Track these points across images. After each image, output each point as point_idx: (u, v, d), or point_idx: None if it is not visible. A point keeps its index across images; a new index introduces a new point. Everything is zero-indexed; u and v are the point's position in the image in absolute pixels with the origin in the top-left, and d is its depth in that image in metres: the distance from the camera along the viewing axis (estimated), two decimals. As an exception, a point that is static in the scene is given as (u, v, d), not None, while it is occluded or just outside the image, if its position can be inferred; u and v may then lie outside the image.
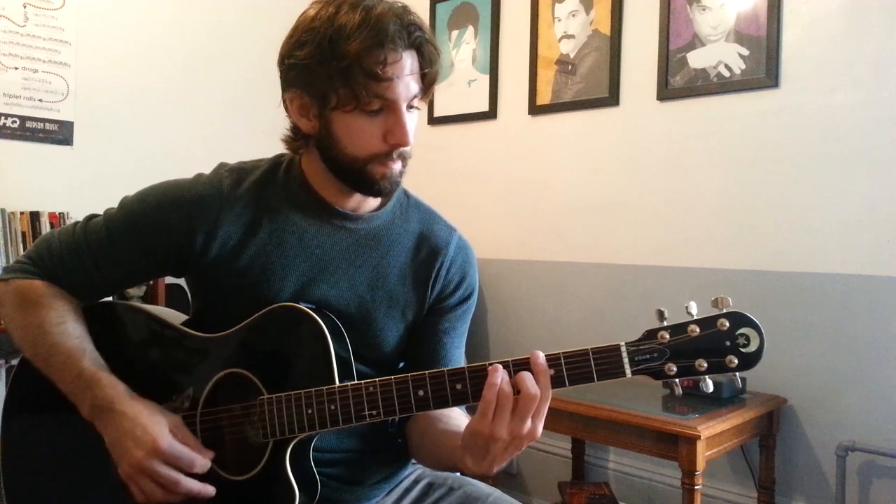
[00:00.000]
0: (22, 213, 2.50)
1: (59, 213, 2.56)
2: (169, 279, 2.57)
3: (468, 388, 0.98)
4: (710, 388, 0.95)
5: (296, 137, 1.16)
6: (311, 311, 1.07)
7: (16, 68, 2.62)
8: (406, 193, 1.26)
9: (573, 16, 2.79)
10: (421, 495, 1.27)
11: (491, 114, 3.06)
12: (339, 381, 1.04)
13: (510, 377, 0.95)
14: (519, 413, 0.94)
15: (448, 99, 3.21)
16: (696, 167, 2.49)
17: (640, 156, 2.62)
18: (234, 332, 1.12)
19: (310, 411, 1.03)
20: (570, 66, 2.80)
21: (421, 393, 1.00)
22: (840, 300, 2.19)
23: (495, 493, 1.22)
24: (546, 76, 2.87)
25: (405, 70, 1.04)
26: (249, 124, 3.04)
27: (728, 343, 0.93)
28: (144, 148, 2.90)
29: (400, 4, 1.06)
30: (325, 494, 1.10)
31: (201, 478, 1.05)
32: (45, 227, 2.52)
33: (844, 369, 2.18)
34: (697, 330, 0.94)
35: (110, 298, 1.29)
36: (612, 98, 2.67)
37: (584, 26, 2.76)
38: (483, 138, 3.10)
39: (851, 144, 2.18)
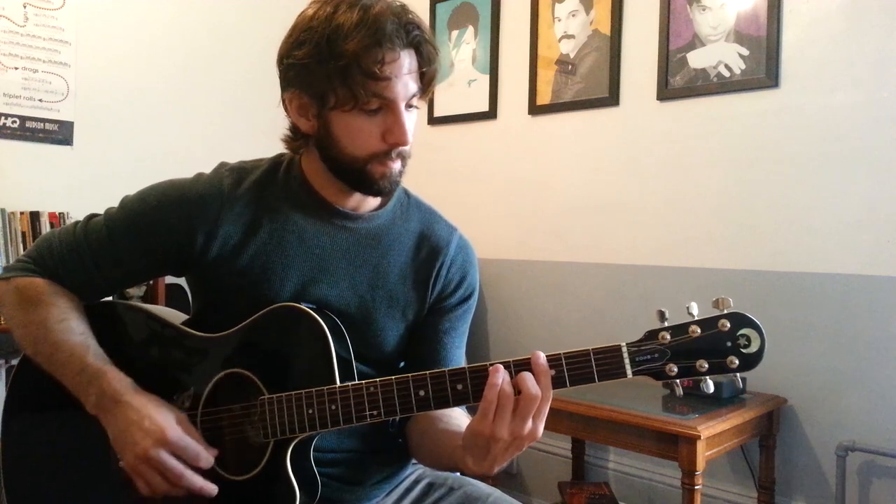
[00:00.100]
0: (22, 213, 2.50)
1: (59, 213, 2.56)
2: (169, 279, 2.57)
3: (469, 388, 0.98)
4: (711, 389, 0.95)
5: (295, 137, 1.16)
6: (311, 311, 1.07)
7: (16, 68, 2.62)
8: (406, 193, 1.26)
9: (573, 16, 2.79)
10: (421, 495, 1.27)
11: (491, 114, 3.06)
12: (340, 381, 1.04)
13: (511, 377, 0.95)
14: (520, 413, 0.94)
15: (448, 99, 3.21)
16: (696, 167, 2.49)
17: (640, 156, 2.62)
18: (234, 331, 1.12)
19: (310, 411, 1.03)
20: (570, 66, 2.80)
21: (422, 393, 1.00)
22: (840, 300, 2.19)
23: (495, 493, 1.22)
24: (546, 76, 2.87)
25: (403, 69, 1.04)
26: (249, 124, 3.04)
27: (729, 344, 0.93)
28: (144, 148, 2.90)
29: (398, 4, 1.06)
30: (326, 494, 1.10)
31: (202, 475, 1.04)
32: (45, 227, 2.51)
33: (844, 369, 2.18)
34: (698, 331, 0.94)
35: (110, 298, 1.29)
36: (612, 98, 2.67)
37: (584, 26, 2.76)
38: (483, 138, 3.10)
39: (851, 144, 2.18)
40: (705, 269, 2.45)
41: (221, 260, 1.13)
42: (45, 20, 2.67)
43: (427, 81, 1.09)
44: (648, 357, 0.95)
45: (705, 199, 2.47)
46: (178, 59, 3.03)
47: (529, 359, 0.96)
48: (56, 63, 2.71)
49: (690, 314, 0.95)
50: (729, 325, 0.93)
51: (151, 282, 2.61)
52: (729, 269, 2.40)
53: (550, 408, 0.96)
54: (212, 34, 3.13)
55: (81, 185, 2.71)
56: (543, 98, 2.87)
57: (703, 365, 0.93)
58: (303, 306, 1.08)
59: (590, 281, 2.74)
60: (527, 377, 0.94)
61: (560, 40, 2.83)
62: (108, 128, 2.84)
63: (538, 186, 2.90)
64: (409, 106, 1.08)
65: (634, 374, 0.95)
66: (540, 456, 2.82)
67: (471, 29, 3.14)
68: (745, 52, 2.36)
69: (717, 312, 0.94)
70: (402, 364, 1.24)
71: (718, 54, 2.42)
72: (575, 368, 0.95)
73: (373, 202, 1.20)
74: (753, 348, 0.92)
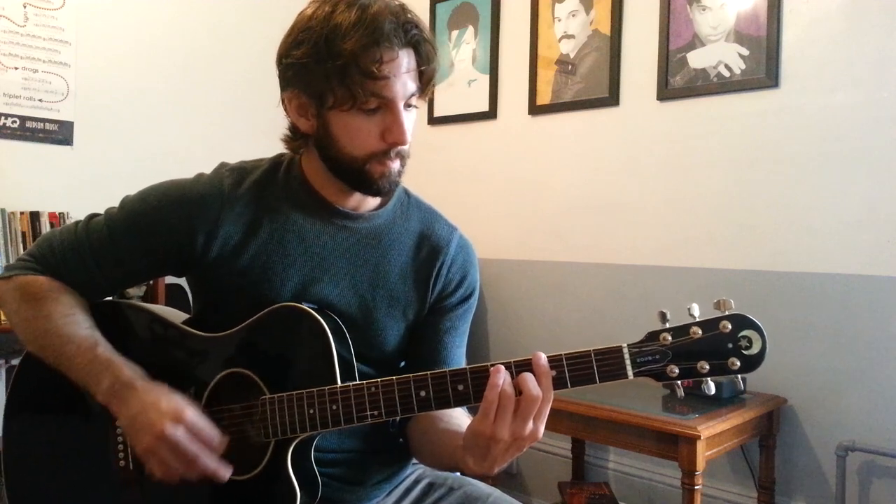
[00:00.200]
0: (22, 213, 2.50)
1: (59, 213, 2.56)
2: (169, 279, 2.57)
3: (470, 388, 0.98)
4: (713, 391, 0.95)
5: (295, 137, 1.16)
6: (313, 311, 1.07)
7: (16, 68, 2.62)
8: (406, 193, 1.26)
9: (573, 16, 2.79)
10: (421, 495, 1.27)
11: (491, 114, 3.06)
12: (341, 381, 1.04)
13: (512, 378, 0.95)
14: (521, 414, 0.94)
15: (448, 99, 3.21)
16: (696, 167, 2.49)
17: (640, 156, 2.62)
18: (236, 331, 1.12)
19: (311, 411, 1.03)
20: (570, 66, 2.80)
21: (423, 393, 1.00)
22: (840, 300, 2.19)
23: (495, 492, 1.22)
24: (546, 76, 2.87)
25: (402, 68, 1.04)
26: (249, 124, 3.04)
27: (730, 345, 0.93)
28: (144, 148, 2.90)
29: (397, 3, 1.06)
30: (326, 494, 1.10)
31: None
32: (45, 227, 2.51)
33: (844, 369, 2.18)
34: (699, 332, 0.94)
35: (111, 298, 1.29)
36: (612, 98, 2.67)
37: (584, 26, 2.76)
38: (483, 138, 3.10)
39: (851, 144, 2.18)
40: (705, 269, 2.46)
41: (222, 260, 1.13)
42: (45, 20, 2.67)
43: (426, 81, 1.09)
44: (649, 358, 0.95)
45: (705, 199, 2.47)
46: (178, 59, 3.03)
47: (530, 359, 0.96)
48: (56, 63, 2.71)
49: (692, 315, 0.95)
50: (730, 326, 0.93)
51: (151, 282, 2.60)
52: (729, 269, 2.40)
53: (550, 408, 0.96)
54: (212, 34, 3.13)
55: (81, 185, 2.71)
56: (543, 98, 2.87)
57: (705, 366, 0.93)
58: (304, 306, 1.08)
59: (590, 281, 2.74)
60: (528, 378, 0.94)
61: (560, 40, 2.83)
62: (108, 128, 2.84)
63: (538, 186, 2.90)
64: (407, 105, 1.08)
65: (635, 375, 0.95)
66: (540, 456, 2.82)
67: (471, 29, 3.14)
68: (745, 52, 2.36)
69: (718, 314, 0.94)
70: (402, 364, 1.24)
71: (718, 54, 2.42)
72: (576, 369, 0.95)
73: (373, 202, 1.20)
74: (755, 350, 0.92)
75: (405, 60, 1.04)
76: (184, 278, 1.23)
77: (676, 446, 1.92)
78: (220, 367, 1.11)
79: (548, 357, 0.96)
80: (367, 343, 1.16)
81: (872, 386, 2.14)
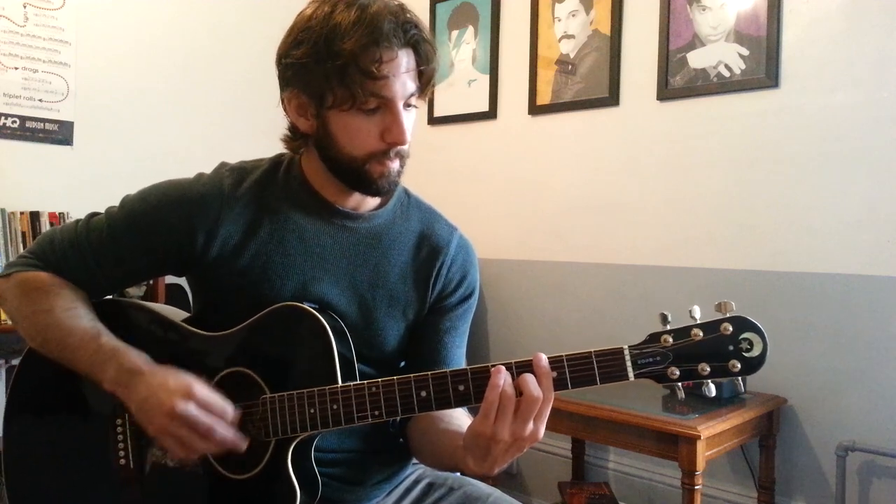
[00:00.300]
0: (22, 213, 2.50)
1: (59, 213, 2.56)
2: (169, 279, 2.56)
3: (471, 389, 0.98)
4: (713, 393, 0.95)
5: (294, 137, 1.16)
6: (314, 311, 1.07)
7: (16, 68, 2.61)
8: (406, 192, 1.26)
9: (573, 16, 2.79)
10: (421, 495, 1.27)
11: (491, 114, 3.06)
12: (342, 381, 1.04)
13: (513, 379, 0.95)
14: (521, 415, 0.94)
15: (448, 99, 3.21)
16: (696, 167, 2.49)
17: (640, 156, 2.62)
18: (237, 330, 1.12)
19: (312, 411, 1.03)
20: (570, 66, 2.80)
21: (423, 394, 1.00)
22: (840, 300, 2.19)
23: (495, 493, 1.22)
24: (546, 76, 2.87)
25: (401, 68, 1.04)
26: (249, 124, 3.03)
27: (731, 347, 0.93)
28: (144, 148, 2.90)
29: (396, 3, 1.06)
30: (326, 494, 1.10)
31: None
32: (45, 227, 2.51)
33: (844, 369, 2.18)
34: (701, 334, 0.94)
35: (110, 296, 1.29)
36: (612, 98, 2.67)
37: (584, 26, 2.76)
38: (483, 138, 3.10)
39: (851, 144, 2.18)
40: (705, 269, 2.46)
41: (222, 260, 1.13)
42: (45, 20, 2.67)
43: (425, 81, 1.09)
44: (650, 360, 0.95)
45: (705, 199, 2.47)
46: (178, 59, 3.03)
47: (531, 360, 0.96)
48: (56, 63, 2.70)
49: (692, 318, 0.95)
50: (731, 328, 0.93)
51: (151, 281, 2.60)
52: (729, 269, 2.40)
53: (551, 407, 0.96)
54: (212, 34, 3.13)
55: (81, 185, 2.71)
56: (543, 98, 2.87)
57: (705, 368, 0.94)
58: (306, 306, 1.08)
59: (590, 281, 2.74)
60: (528, 379, 0.94)
61: (560, 40, 2.83)
62: (108, 128, 2.84)
63: (538, 186, 2.90)
64: (407, 105, 1.08)
65: (636, 376, 0.95)
66: (540, 456, 2.82)
67: (471, 29, 3.14)
68: (745, 52, 2.36)
69: (719, 316, 0.94)
70: (402, 364, 1.24)
71: (718, 54, 2.42)
72: (577, 370, 0.96)
73: (373, 202, 1.20)
74: (755, 352, 0.93)
75: (404, 60, 1.05)
76: (184, 278, 1.23)
77: (676, 446, 1.92)
78: (221, 366, 1.11)
79: (548, 358, 0.96)
80: (367, 343, 1.16)
81: (872, 386, 2.14)
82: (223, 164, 1.19)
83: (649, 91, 2.59)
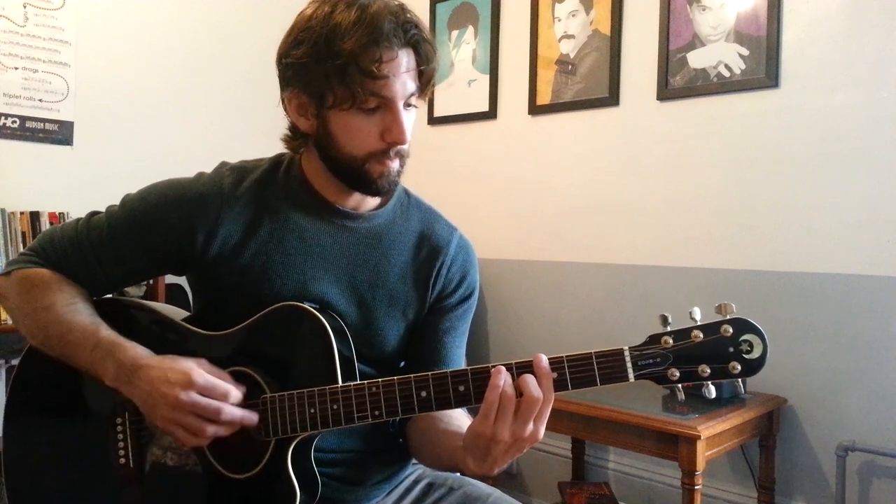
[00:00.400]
0: (22, 213, 2.50)
1: (59, 213, 2.56)
2: (169, 278, 2.57)
3: (471, 389, 0.98)
4: (713, 395, 0.95)
5: (295, 137, 1.16)
6: (314, 311, 1.07)
7: (16, 68, 2.61)
8: (407, 192, 1.26)
9: (573, 16, 2.79)
10: (421, 495, 1.27)
11: (491, 114, 3.06)
12: (343, 381, 1.04)
13: (513, 379, 0.95)
14: (521, 416, 0.94)
15: (448, 99, 3.21)
16: (696, 167, 2.49)
17: (640, 156, 2.62)
18: (237, 330, 1.12)
19: (312, 411, 1.03)
20: (570, 66, 2.80)
21: (424, 394, 1.00)
22: (840, 300, 2.19)
23: (495, 493, 1.22)
24: (546, 76, 2.87)
25: (401, 68, 1.04)
26: (249, 124, 3.03)
27: (731, 349, 0.93)
28: (144, 148, 2.90)
29: (396, 3, 1.07)
30: (326, 494, 1.10)
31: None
32: (45, 227, 2.51)
33: (844, 369, 2.18)
34: (701, 335, 0.94)
35: (110, 295, 1.29)
36: (612, 98, 2.67)
37: (584, 26, 2.76)
38: (483, 138, 3.10)
39: (851, 144, 2.18)
40: (705, 269, 2.46)
41: (222, 259, 1.13)
42: (45, 20, 2.67)
43: (425, 80, 1.10)
44: (650, 361, 0.95)
45: (705, 199, 2.47)
46: (178, 59, 3.03)
47: (531, 361, 0.96)
48: (56, 63, 2.70)
49: (693, 319, 0.95)
50: (731, 330, 0.93)
51: (151, 281, 2.60)
52: (729, 269, 2.40)
53: (551, 408, 0.96)
54: (212, 34, 3.13)
55: (81, 185, 2.71)
56: (543, 98, 2.87)
57: (706, 370, 0.94)
58: (306, 306, 1.08)
59: (590, 281, 2.74)
60: (529, 379, 0.94)
61: (560, 40, 2.83)
62: (108, 128, 2.84)
63: (538, 186, 2.90)
64: (407, 105, 1.08)
65: (636, 378, 0.95)
66: (540, 456, 2.82)
67: (471, 29, 3.14)
68: (745, 52, 2.36)
69: (719, 318, 0.94)
70: (402, 364, 1.24)
71: (718, 54, 2.42)
72: (577, 371, 0.96)
73: (373, 201, 1.20)
74: (756, 354, 0.93)
75: (404, 60, 1.05)
76: (184, 277, 1.23)
77: (676, 446, 1.92)
78: (221, 366, 1.11)
79: (549, 359, 0.96)
80: (367, 343, 1.16)
81: (872, 386, 2.14)
82: (223, 164, 1.20)
83: (649, 91, 2.59)
